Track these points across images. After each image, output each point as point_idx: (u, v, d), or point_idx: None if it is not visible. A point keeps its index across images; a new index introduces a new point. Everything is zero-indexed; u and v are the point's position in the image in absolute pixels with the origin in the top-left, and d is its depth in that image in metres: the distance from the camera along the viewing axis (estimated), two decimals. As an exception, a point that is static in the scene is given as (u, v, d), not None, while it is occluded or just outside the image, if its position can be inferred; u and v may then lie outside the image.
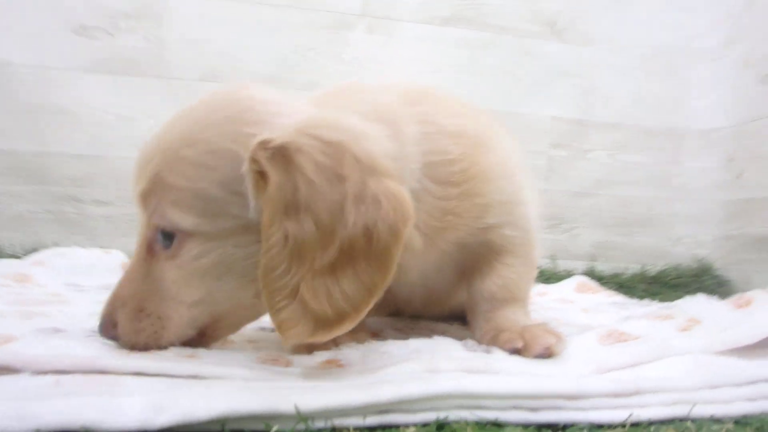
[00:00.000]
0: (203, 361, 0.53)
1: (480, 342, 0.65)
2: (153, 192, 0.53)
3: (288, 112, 0.53)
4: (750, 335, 0.60)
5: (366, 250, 0.48)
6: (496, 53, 1.72)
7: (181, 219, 0.51)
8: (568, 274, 1.56)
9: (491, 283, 0.68)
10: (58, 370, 0.48)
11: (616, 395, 0.51)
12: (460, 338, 0.65)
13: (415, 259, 0.61)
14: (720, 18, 1.76)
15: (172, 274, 0.53)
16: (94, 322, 0.59)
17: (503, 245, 0.67)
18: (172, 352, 0.55)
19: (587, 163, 1.76)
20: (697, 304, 0.77)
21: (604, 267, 1.69)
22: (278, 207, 0.48)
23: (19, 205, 1.54)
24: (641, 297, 1.43)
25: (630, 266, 1.70)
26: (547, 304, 1.12)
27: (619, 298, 1.22)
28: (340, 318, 0.48)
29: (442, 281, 0.71)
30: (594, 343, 0.63)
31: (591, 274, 1.60)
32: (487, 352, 0.60)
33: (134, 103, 1.57)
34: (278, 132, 0.50)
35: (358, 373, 0.52)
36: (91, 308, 0.82)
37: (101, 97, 1.57)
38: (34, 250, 1.46)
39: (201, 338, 0.57)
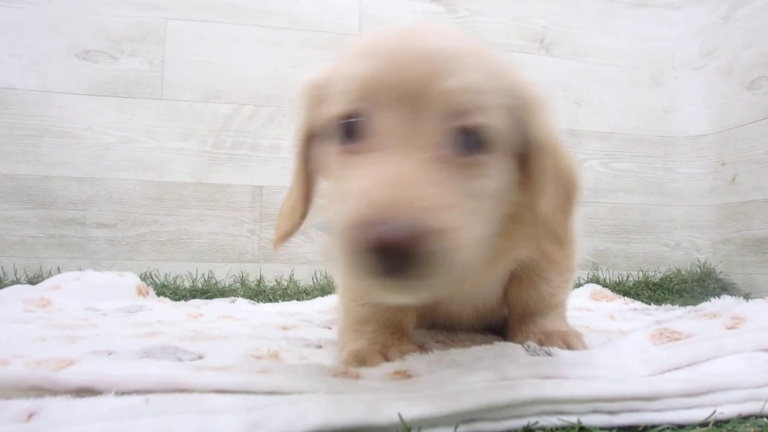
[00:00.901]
0: (279, 375, 0.53)
1: None
2: (471, 91, 0.47)
3: None
4: None
5: (567, 190, 0.58)
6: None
7: (496, 132, 0.49)
8: (574, 284, 1.59)
9: (527, 295, 0.72)
10: (141, 390, 0.47)
11: (691, 395, 0.52)
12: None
13: (476, 275, 0.62)
14: (701, 29, 1.85)
15: (475, 185, 0.47)
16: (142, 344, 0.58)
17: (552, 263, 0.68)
18: (243, 368, 0.55)
19: (582, 172, 1.81)
20: (725, 304, 0.79)
21: (606, 275, 1.73)
22: (553, 156, 0.56)
23: (21, 230, 1.52)
24: (648, 303, 1.46)
25: (631, 273, 1.74)
26: (568, 313, 1.13)
27: (637, 304, 1.24)
28: (566, 248, 0.60)
29: (492, 294, 0.73)
30: (646, 342, 0.64)
31: (595, 282, 1.63)
32: (549, 354, 0.61)
33: (136, 125, 1.58)
34: (541, 95, 0.57)
35: (434, 383, 0.53)
36: (126, 330, 0.82)
37: (103, 120, 1.57)
38: (38, 275, 1.44)
39: None
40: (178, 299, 1.37)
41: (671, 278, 1.67)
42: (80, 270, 1.45)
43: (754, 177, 1.64)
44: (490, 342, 0.63)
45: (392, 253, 0.36)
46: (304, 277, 1.56)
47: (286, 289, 1.44)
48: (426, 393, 0.50)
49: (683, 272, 1.72)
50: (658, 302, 1.53)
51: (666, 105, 1.88)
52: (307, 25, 1.68)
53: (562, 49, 1.82)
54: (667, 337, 0.66)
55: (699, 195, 1.83)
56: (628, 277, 1.70)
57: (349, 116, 0.46)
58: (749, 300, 0.90)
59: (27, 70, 1.54)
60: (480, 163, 0.46)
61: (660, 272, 1.73)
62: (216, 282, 1.52)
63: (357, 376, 0.56)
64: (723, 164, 1.75)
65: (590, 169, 1.82)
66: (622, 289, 1.62)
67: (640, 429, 0.50)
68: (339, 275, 0.73)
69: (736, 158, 1.71)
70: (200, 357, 0.66)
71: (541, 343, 0.67)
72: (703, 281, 1.66)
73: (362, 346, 0.66)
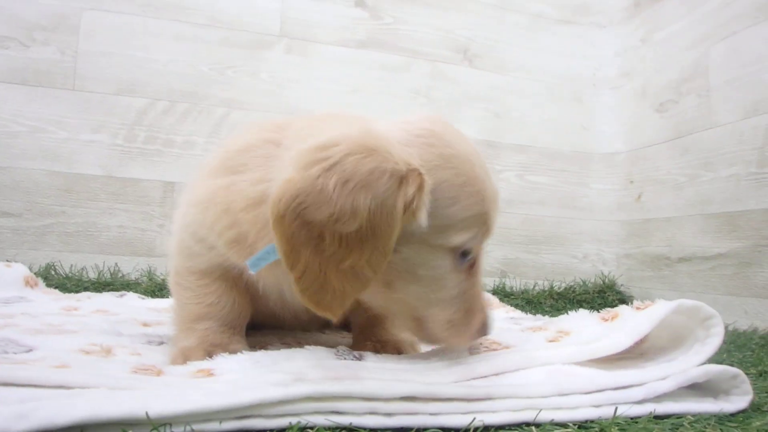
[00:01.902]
0: (72, 371, 0.55)
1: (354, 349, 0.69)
2: None
3: None
4: (607, 347, 0.65)
5: None
6: (409, 76, 1.81)
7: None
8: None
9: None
10: None
11: (467, 400, 0.56)
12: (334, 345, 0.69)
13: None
14: (620, 50, 1.92)
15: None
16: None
17: None
18: (46, 362, 0.57)
19: (497, 183, 1.86)
20: (576, 318, 0.84)
21: (513, 283, 1.78)
22: None
23: None
24: (548, 312, 1.52)
25: (538, 282, 1.80)
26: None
27: (516, 313, 1.29)
28: None
29: None
30: (464, 351, 0.67)
31: (501, 289, 1.69)
32: (359, 358, 0.64)
33: (46, 115, 1.56)
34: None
35: (225, 382, 0.56)
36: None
37: (12, 108, 1.55)
38: (-65, 262, 1.40)
39: None
40: (78, 291, 1.36)
41: (575, 289, 1.74)
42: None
43: (657, 196, 1.72)
44: (302, 346, 0.66)
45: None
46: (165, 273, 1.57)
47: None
48: (207, 389, 0.52)
49: (588, 284, 1.80)
50: (559, 311, 1.59)
51: (584, 122, 1.95)
52: (228, 23, 1.69)
53: (485, 61, 1.88)
54: (485, 347, 0.70)
55: (608, 210, 1.91)
56: (534, 286, 1.76)
57: (469, 251, 0.62)
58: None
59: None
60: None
61: (565, 283, 1.80)
62: (122, 275, 1.52)
63: (158, 374, 0.58)
64: (631, 182, 1.84)
65: (506, 180, 1.88)
66: (527, 297, 1.68)
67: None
68: (174, 274, 0.76)
69: (642, 177, 1.79)
70: (29, 350, 0.67)
71: (376, 351, 0.70)
72: (604, 293, 1.73)
73: (191, 344, 0.69)
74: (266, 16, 1.71)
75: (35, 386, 0.51)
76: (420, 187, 0.55)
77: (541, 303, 1.66)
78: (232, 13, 1.68)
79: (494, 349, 0.69)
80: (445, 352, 0.68)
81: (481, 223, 0.61)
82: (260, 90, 1.70)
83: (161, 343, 0.77)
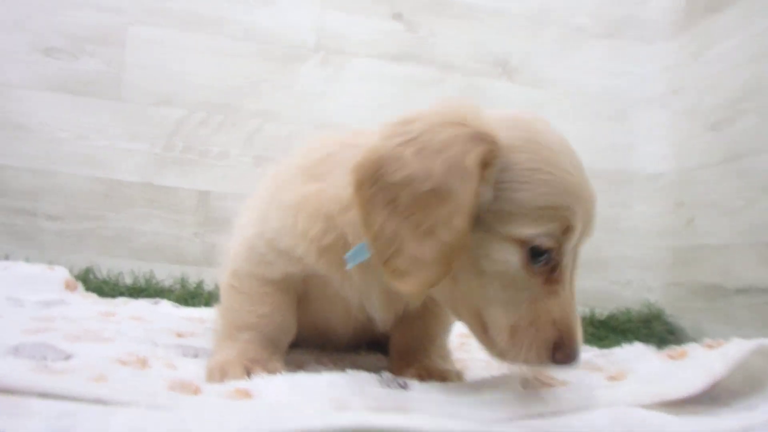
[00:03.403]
0: (110, 385, 0.53)
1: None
2: None
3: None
4: (678, 390, 0.59)
5: None
6: (444, 90, 1.78)
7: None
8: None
9: (417, 330, 0.74)
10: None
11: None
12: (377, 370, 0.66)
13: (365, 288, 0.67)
14: (668, 66, 1.84)
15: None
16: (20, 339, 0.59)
17: None
18: (84, 374, 0.55)
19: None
20: (633, 352, 0.79)
21: (552, 308, 1.71)
22: None
23: (-29, 216, 1.53)
24: (588, 341, 1.45)
25: (578, 308, 1.73)
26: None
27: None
28: None
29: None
30: (516, 385, 0.62)
31: (540, 314, 1.62)
32: (404, 387, 0.61)
33: (90, 123, 1.61)
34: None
35: (265, 405, 0.53)
36: (25, 325, 0.82)
37: (59, 116, 1.60)
38: (-15, 261, 1.44)
39: None
40: (115, 296, 1.37)
41: (618, 317, 1.66)
42: (27, 259, 1.46)
43: (711, 221, 1.63)
44: (344, 370, 0.63)
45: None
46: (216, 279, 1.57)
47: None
48: (244, 415, 0.50)
49: (632, 312, 1.72)
50: (600, 341, 1.52)
51: (627, 141, 1.88)
52: (264, 37, 1.70)
53: (524, 76, 1.83)
54: (541, 382, 0.65)
55: (654, 235, 1.82)
56: (574, 312, 1.69)
57: (546, 249, 0.56)
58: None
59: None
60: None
61: (607, 310, 1.72)
62: (157, 282, 1.52)
63: (196, 391, 0.56)
64: (681, 205, 1.75)
65: (546, 200, 1.82)
66: (566, 323, 1.61)
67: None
68: (231, 276, 0.73)
69: (694, 200, 1.70)
70: (67, 357, 0.66)
71: (420, 379, 0.66)
72: (650, 323, 1.65)
73: (229, 356, 0.66)
74: (302, 29, 1.71)
75: (72, 399, 0.50)
76: (492, 153, 0.53)
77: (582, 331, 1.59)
78: (268, 27, 1.70)
79: (550, 385, 0.65)
80: (497, 385, 0.64)
81: (559, 218, 0.55)
82: (293, 103, 1.70)
83: (196, 356, 0.75)
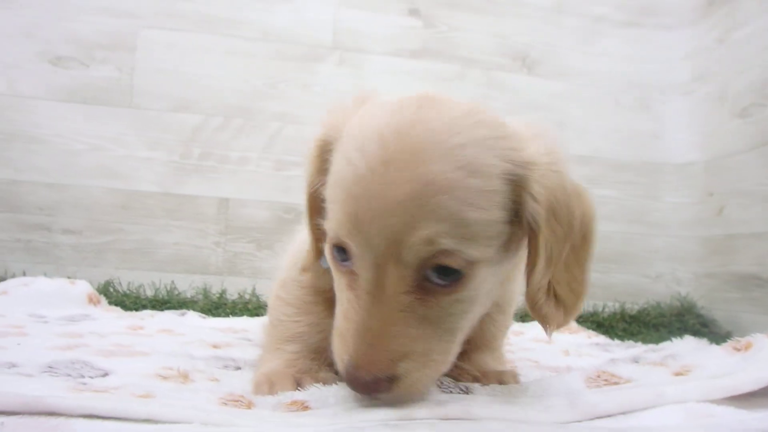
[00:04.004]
0: (159, 402, 0.49)
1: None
2: (444, 233, 0.47)
3: (520, 130, 0.56)
4: (749, 382, 0.56)
5: (583, 236, 0.56)
6: (465, 85, 1.75)
7: (477, 252, 0.49)
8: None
9: (471, 333, 0.69)
10: (4, 411, 0.44)
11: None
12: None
13: None
14: (691, 52, 1.80)
15: (455, 307, 0.51)
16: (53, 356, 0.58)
17: (499, 300, 0.69)
18: (127, 390, 0.52)
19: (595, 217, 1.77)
20: (685, 346, 0.75)
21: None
22: (547, 222, 0.52)
23: (-12, 233, 1.50)
24: (621, 337, 1.41)
25: (608, 303, 1.69)
26: (523, 344, 1.09)
27: (600, 338, 1.20)
28: (578, 301, 0.57)
29: None
30: (580, 385, 0.59)
31: (569, 311, 1.58)
32: (466, 391, 0.57)
33: (105, 133, 1.57)
34: (536, 151, 0.52)
35: (326, 418, 0.49)
36: (52, 341, 0.79)
37: (73, 126, 1.57)
38: (1, 278, 1.42)
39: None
40: (137, 309, 1.34)
41: (649, 311, 1.62)
42: (44, 275, 1.43)
43: (743, 209, 1.58)
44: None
45: (365, 390, 0.50)
46: (266, 292, 1.53)
47: (247, 303, 1.40)
48: (311, 428, 0.46)
49: (662, 306, 1.67)
50: (633, 336, 1.48)
51: (652, 130, 1.84)
52: (280, 36, 1.66)
53: (545, 68, 1.79)
54: (605, 380, 0.62)
55: (683, 226, 1.78)
56: (604, 308, 1.65)
57: (339, 245, 0.51)
58: (727, 339, 0.86)
59: (-1, 74, 1.53)
60: (463, 286, 0.50)
61: (638, 304, 1.67)
62: (178, 293, 1.49)
63: (249, 406, 0.52)
64: (710, 194, 1.71)
65: (571, 194, 1.78)
66: (597, 320, 1.57)
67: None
68: (279, 287, 0.70)
69: (724, 188, 1.65)
70: (105, 374, 0.63)
71: (477, 381, 0.64)
72: (683, 316, 1.60)
73: (277, 367, 0.63)
74: (318, 28, 1.68)
75: (120, 419, 0.46)
76: (324, 141, 0.57)
77: (612, 327, 1.55)
78: (284, 27, 1.66)
79: (615, 383, 0.61)
80: (558, 386, 0.60)
81: (343, 215, 0.49)
82: (313, 103, 1.67)
83: (238, 368, 0.72)
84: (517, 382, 0.67)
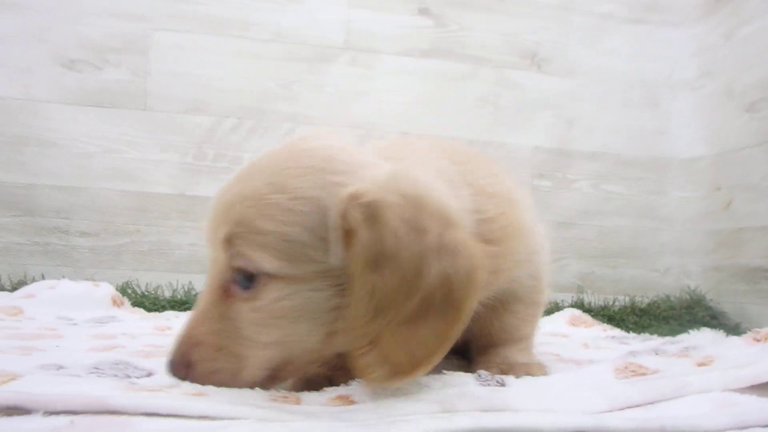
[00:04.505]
0: (213, 399, 0.51)
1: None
2: (239, 235, 0.52)
3: (366, 163, 0.55)
4: None
5: (443, 299, 0.50)
6: (476, 84, 1.77)
7: (266, 262, 0.51)
8: (556, 307, 1.57)
9: (490, 326, 0.72)
10: (69, 411, 0.46)
11: (638, 435, 0.50)
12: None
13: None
14: (699, 48, 1.82)
15: (251, 316, 0.54)
16: (96, 358, 0.60)
17: (516, 292, 0.70)
18: (181, 389, 0.54)
19: (571, 193, 1.80)
20: (702, 338, 0.77)
21: (591, 299, 1.70)
22: (367, 262, 0.49)
23: (6, 236, 1.53)
24: (632, 330, 1.44)
25: (618, 298, 1.71)
26: (541, 339, 1.11)
27: (616, 331, 1.22)
28: (415, 366, 0.51)
29: None
30: (610, 376, 0.62)
31: (579, 306, 1.60)
32: (501, 384, 0.60)
33: (119, 135, 1.59)
34: (363, 184, 0.51)
35: (372, 411, 0.51)
36: (88, 343, 0.81)
37: (86, 130, 1.58)
38: (21, 281, 1.44)
39: (271, 380, 0.57)
40: (157, 310, 1.36)
41: (659, 304, 1.65)
42: (63, 277, 1.45)
43: (751, 203, 1.61)
44: (439, 371, 0.61)
45: (169, 371, 0.56)
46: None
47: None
48: (360, 422, 0.48)
49: (672, 299, 1.70)
50: (644, 329, 1.50)
51: (660, 126, 1.86)
52: (291, 37, 1.68)
53: (553, 66, 1.81)
54: (632, 371, 0.64)
55: (692, 220, 1.80)
56: (614, 302, 1.67)
57: None
58: (737, 331, 0.88)
59: (12, 79, 1.55)
60: (257, 296, 0.53)
61: (647, 298, 1.70)
62: (195, 294, 1.51)
63: (297, 401, 0.54)
64: (718, 189, 1.73)
65: (579, 190, 1.80)
66: (607, 314, 1.59)
67: (582, 467, 0.48)
68: None
69: (732, 183, 1.68)
70: (149, 374, 0.65)
71: (504, 374, 0.66)
72: (692, 309, 1.63)
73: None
74: (330, 28, 1.70)
75: (177, 416, 0.48)
76: None
77: (623, 320, 1.58)
78: (296, 28, 1.68)
79: (642, 374, 0.63)
80: (589, 378, 0.63)
81: None
82: (325, 103, 1.69)
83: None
84: (545, 374, 0.69)
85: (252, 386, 0.55)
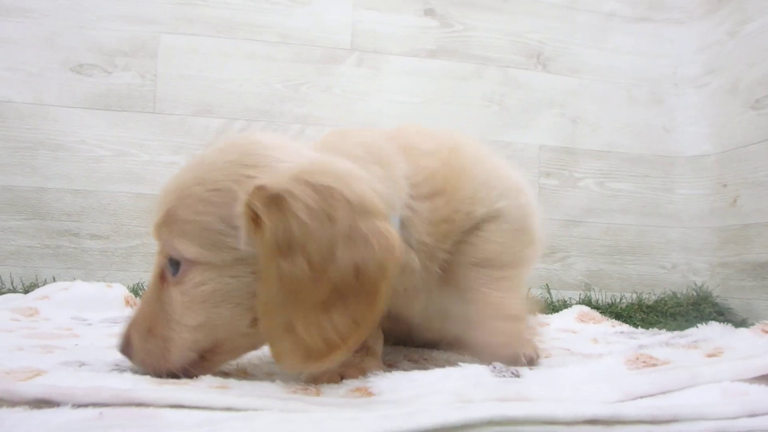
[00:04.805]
0: (236, 392, 0.53)
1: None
2: (165, 224, 0.57)
3: (288, 157, 0.58)
4: None
5: (355, 286, 0.52)
6: (481, 84, 1.78)
7: (186, 249, 0.55)
8: (563, 305, 1.58)
9: (470, 256, 0.68)
10: (97, 403, 0.47)
11: (654, 422, 0.51)
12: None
13: (421, 282, 0.66)
14: (703, 46, 1.83)
15: (178, 300, 0.57)
16: (116, 356, 0.62)
17: (489, 217, 0.69)
18: (204, 382, 0.55)
19: (577, 191, 1.81)
20: (711, 331, 0.78)
21: (599, 296, 1.71)
22: (272, 249, 0.52)
23: (18, 239, 1.54)
24: (638, 326, 1.44)
25: (625, 295, 1.72)
26: (551, 335, 1.12)
27: (624, 327, 1.23)
28: (330, 350, 0.52)
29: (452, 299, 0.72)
30: (621, 367, 0.63)
31: (587, 303, 1.61)
32: (516, 375, 0.61)
33: (129, 139, 1.60)
34: (275, 177, 0.54)
35: (392, 403, 0.53)
36: (105, 341, 0.82)
37: (97, 133, 1.59)
38: (33, 284, 1.45)
39: (202, 362, 0.59)
40: (168, 311, 1.37)
41: (666, 301, 1.65)
42: (74, 280, 1.46)
43: (757, 199, 1.61)
44: (455, 363, 0.63)
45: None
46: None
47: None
48: (380, 412, 0.49)
49: (679, 295, 1.70)
50: (651, 325, 1.51)
51: (666, 124, 1.87)
52: (299, 39, 1.69)
53: (558, 65, 1.82)
54: (643, 362, 0.65)
55: (698, 217, 1.81)
56: (621, 299, 1.68)
57: None
58: (744, 326, 0.89)
59: (22, 83, 1.56)
60: (182, 281, 0.56)
61: (655, 295, 1.71)
62: (206, 294, 1.52)
63: (317, 393, 0.56)
64: (724, 186, 1.73)
65: (586, 188, 1.81)
66: (615, 310, 1.60)
67: (600, 455, 0.49)
68: None
69: (738, 180, 1.68)
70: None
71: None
72: (699, 305, 1.63)
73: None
74: (337, 30, 1.71)
75: (204, 408, 0.50)
76: None
77: (631, 317, 1.58)
78: (303, 29, 1.69)
79: (653, 365, 0.64)
80: (601, 369, 0.64)
81: None
82: (334, 104, 1.70)
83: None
84: (539, 356, 0.71)
85: (182, 370, 0.58)
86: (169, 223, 0.57)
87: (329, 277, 0.51)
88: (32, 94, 1.57)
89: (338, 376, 0.63)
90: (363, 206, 0.54)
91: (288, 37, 1.69)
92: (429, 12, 1.77)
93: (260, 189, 0.53)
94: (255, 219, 0.53)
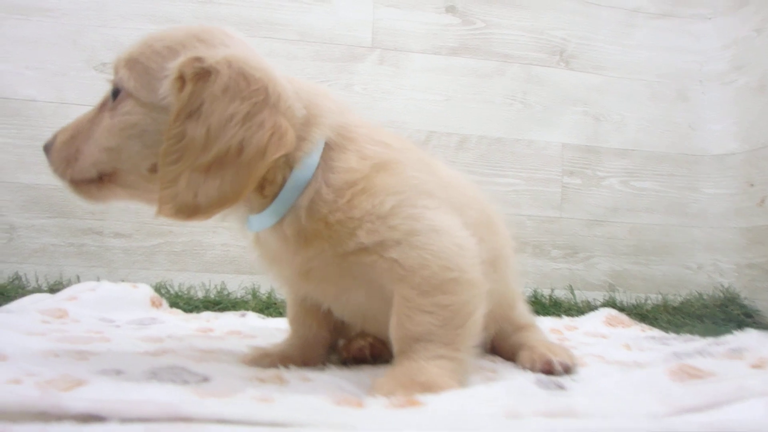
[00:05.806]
0: (281, 405, 0.52)
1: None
2: (123, 64, 0.66)
3: (239, 49, 0.66)
4: None
5: (235, 160, 0.59)
6: (503, 81, 1.76)
7: (128, 80, 0.65)
8: (587, 306, 1.56)
9: (392, 323, 0.66)
10: (143, 418, 0.47)
11: (706, 438, 0.50)
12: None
13: (295, 254, 0.68)
14: (729, 42, 1.79)
15: (104, 122, 0.66)
16: (151, 363, 0.64)
17: (396, 272, 0.64)
18: (246, 394, 0.55)
19: (601, 190, 1.78)
20: (748, 339, 0.77)
21: (623, 297, 1.68)
22: (183, 109, 0.60)
23: (43, 238, 1.55)
24: (665, 329, 1.42)
25: (650, 296, 1.69)
26: (580, 339, 1.11)
27: (655, 332, 1.21)
28: (195, 210, 0.60)
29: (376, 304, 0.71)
30: (665, 379, 0.61)
31: (611, 304, 1.59)
32: (561, 387, 0.60)
33: (151, 137, 1.60)
34: (213, 56, 0.62)
35: (439, 416, 0.52)
36: (138, 346, 0.82)
37: (120, 131, 1.59)
38: (58, 282, 1.46)
39: (98, 184, 0.68)
40: (191, 310, 1.37)
41: (692, 302, 1.63)
42: (98, 279, 1.47)
43: (785, 199, 1.59)
44: (495, 370, 0.62)
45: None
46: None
47: (297, 303, 1.43)
48: (427, 426, 0.49)
49: (705, 297, 1.68)
50: (677, 327, 1.49)
51: (691, 121, 1.84)
52: (319, 37, 1.68)
53: (581, 62, 1.80)
54: (687, 373, 0.64)
55: (724, 216, 1.78)
56: (646, 300, 1.66)
57: None
58: None
59: (45, 82, 1.57)
60: (116, 107, 0.66)
61: (680, 296, 1.68)
62: (228, 293, 1.53)
63: (359, 405, 0.55)
64: (751, 185, 1.70)
65: (609, 187, 1.79)
66: (640, 312, 1.57)
67: (652, 474, 0.48)
68: None
69: (765, 179, 1.65)
70: (206, 380, 0.65)
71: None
72: (726, 307, 1.61)
73: None
74: (357, 28, 1.70)
75: (247, 423, 0.49)
76: None
77: (656, 319, 1.56)
78: (324, 28, 1.68)
79: (698, 377, 0.63)
80: (644, 380, 0.63)
81: None
82: (354, 103, 1.68)
83: (323, 369, 0.75)
84: (574, 363, 0.76)
85: (79, 182, 0.68)
86: (126, 62, 0.66)
87: (217, 146, 0.59)
88: (55, 93, 1.57)
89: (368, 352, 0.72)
90: (276, 102, 0.62)
91: (307, 35, 1.68)
92: (450, 9, 1.75)
93: (196, 59, 0.61)
94: (181, 79, 0.61)
